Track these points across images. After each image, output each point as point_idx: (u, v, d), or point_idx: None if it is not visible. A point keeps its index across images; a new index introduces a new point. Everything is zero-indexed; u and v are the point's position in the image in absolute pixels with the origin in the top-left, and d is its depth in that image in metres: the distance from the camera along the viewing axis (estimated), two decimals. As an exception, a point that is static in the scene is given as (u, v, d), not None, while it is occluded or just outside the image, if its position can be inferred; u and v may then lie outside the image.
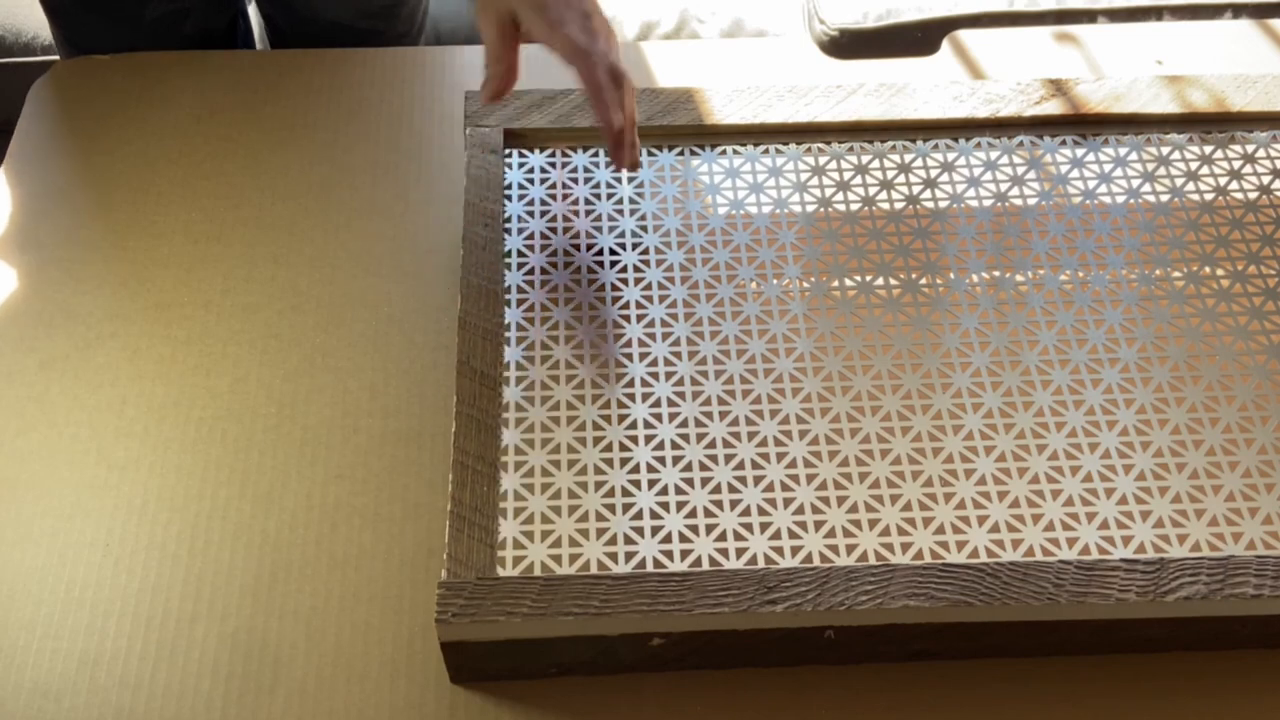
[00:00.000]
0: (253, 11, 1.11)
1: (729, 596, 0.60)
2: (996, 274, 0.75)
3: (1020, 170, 0.79)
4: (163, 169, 0.85)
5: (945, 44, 0.97)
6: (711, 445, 0.67)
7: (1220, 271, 0.76)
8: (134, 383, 0.75)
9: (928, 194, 0.79)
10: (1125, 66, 0.95)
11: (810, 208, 0.78)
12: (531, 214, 0.76)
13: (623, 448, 0.67)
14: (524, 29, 0.69)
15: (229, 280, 0.80)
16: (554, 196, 0.77)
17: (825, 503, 0.65)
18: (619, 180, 0.78)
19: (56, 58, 0.99)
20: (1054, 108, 0.81)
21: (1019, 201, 0.78)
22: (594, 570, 0.62)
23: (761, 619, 0.60)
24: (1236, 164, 0.81)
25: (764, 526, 0.64)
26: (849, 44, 1.14)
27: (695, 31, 1.33)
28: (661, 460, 0.66)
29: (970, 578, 0.61)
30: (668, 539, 0.64)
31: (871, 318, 0.73)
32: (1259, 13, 1.17)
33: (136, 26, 0.95)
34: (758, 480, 0.66)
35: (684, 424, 0.68)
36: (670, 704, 0.64)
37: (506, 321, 0.71)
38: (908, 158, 0.80)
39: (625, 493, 0.65)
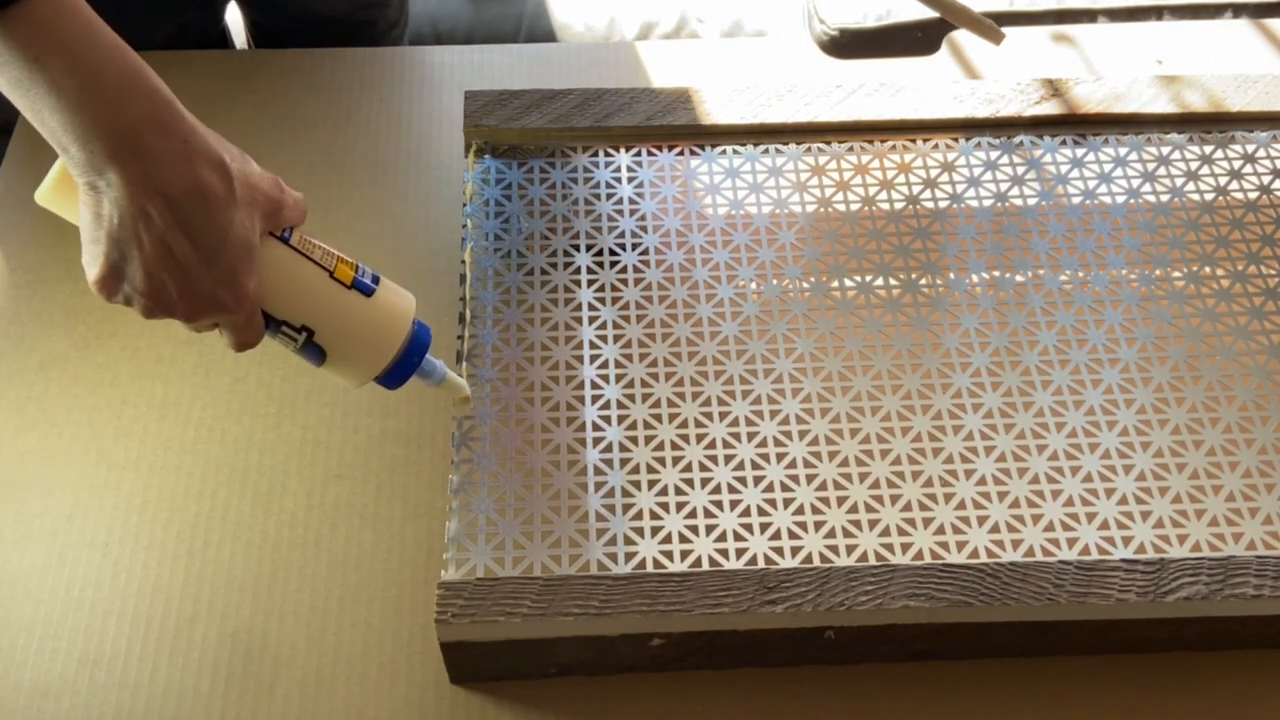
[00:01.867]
0: (231, 19, 1.11)
1: (729, 597, 0.60)
2: (996, 274, 0.75)
3: (1020, 170, 0.79)
4: (162, 169, 0.85)
5: (945, 44, 0.97)
6: (711, 445, 0.67)
7: (1220, 271, 0.76)
8: (134, 383, 0.75)
9: (928, 194, 0.79)
10: (1125, 66, 0.95)
11: (810, 208, 0.78)
12: (531, 214, 0.76)
13: (623, 448, 0.67)
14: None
15: (229, 280, 0.80)
16: (553, 196, 0.77)
17: (825, 503, 0.65)
18: (619, 180, 0.78)
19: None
20: (1054, 108, 0.81)
21: (1019, 201, 0.78)
22: (594, 570, 0.62)
23: (761, 619, 0.60)
24: (1236, 164, 0.81)
25: (764, 527, 0.64)
26: (849, 44, 1.13)
27: (695, 31, 1.33)
28: (662, 460, 0.66)
29: (970, 578, 0.61)
30: (668, 539, 0.64)
31: (871, 318, 0.73)
32: (1259, 13, 1.17)
33: (146, 50, 0.95)
34: (758, 480, 0.66)
35: (684, 424, 0.68)
36: (670, 704, 0.64)
37: (506, 322, 0.71)
38: (908, 158, 0.80)
39: (625, 493, 0.65)
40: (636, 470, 0.66)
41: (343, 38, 1.06)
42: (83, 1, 0.49)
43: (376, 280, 0.59)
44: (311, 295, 0.57)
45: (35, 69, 0.47)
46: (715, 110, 0.79)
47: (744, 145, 0.80)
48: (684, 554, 0.63)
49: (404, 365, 0.60)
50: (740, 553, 0.63)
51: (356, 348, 0.58)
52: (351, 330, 0.58)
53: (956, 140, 0.81)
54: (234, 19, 1.10)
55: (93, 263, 0.52)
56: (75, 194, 0.51)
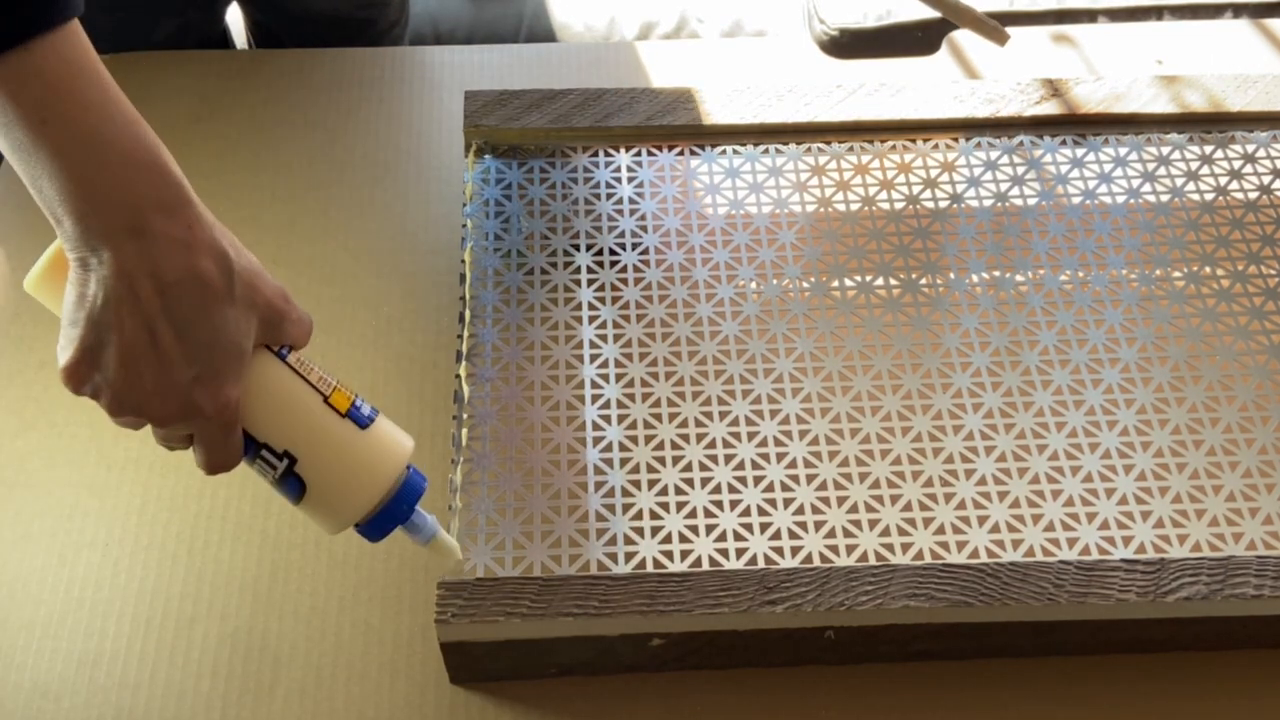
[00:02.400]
0: (231, 19, 1.11)
1: (729, 597, 0.60)
2: (996, 274, 0.75)
3: (1020, 170, 0.79)
4: (162, 169, 0.85)
5: (945, 44, 0.97)
6: (711, 445, 0.67)
7: (1220, 271, 0.76)
8: (134, 383, 0.75)
9: (928, 194, 0.79)
10: (1125, 66, 0.95)
11: (810, 208, 0.78)
12: (531, 214, 0.76)
13: (623, 448, 0.67)
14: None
15: (229, 280, 0.80)
16: (553, 196, 0.77)
17: (825, 503, 0.65)
18: (619, 180, 0.78)
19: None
20: (1054, 108, 0.81)
21: (1019, 201, 0.78)
22: (594, 570, 0.62)
23: (761, 619, 0.60)
24: (1236, 164, 0.81)
25: (764, 526, 0.64)
26: (849, 44, 1.13)
27: (695, 31, 1.33)
28: (662, 460, 0.66)
29: (970, 578, 0.61)
30: (668, 539, 0.64)
31: (871, 318, 0.73)
32: (1259, 13, 1.17)
33: (146, 50, 0.95)
34: (758, 480, 0.66)
35: (684, 424, 0.68)
36: (670, 704, 0.64)
37: (506, 322, 0.71)
38: (908, 158, 0.80)
39: (625, 493, 0.65)
40: (636, 470, 0.66)
41: (343, 37, 1.06)
42: (102, 68, 0.46)
43: (374, 415, 0.54)
44: (299, 418, 0.52)
45: (41, 132, 0.44)
46: (715, 110, 0.79)
47: (744, 145, 0.80)
48: (684, 554, 0.63)
49: (391, 512, 0.54)
50: (740, 553, 0.63)
51: (341, 482, 0.53)
52: (338, 462, 0.52)
53: (956, 140, 0.81)
54: (234, 19, 1.10)
55: (66, 347, 0.48)
56: (65, 282, 0.47)
